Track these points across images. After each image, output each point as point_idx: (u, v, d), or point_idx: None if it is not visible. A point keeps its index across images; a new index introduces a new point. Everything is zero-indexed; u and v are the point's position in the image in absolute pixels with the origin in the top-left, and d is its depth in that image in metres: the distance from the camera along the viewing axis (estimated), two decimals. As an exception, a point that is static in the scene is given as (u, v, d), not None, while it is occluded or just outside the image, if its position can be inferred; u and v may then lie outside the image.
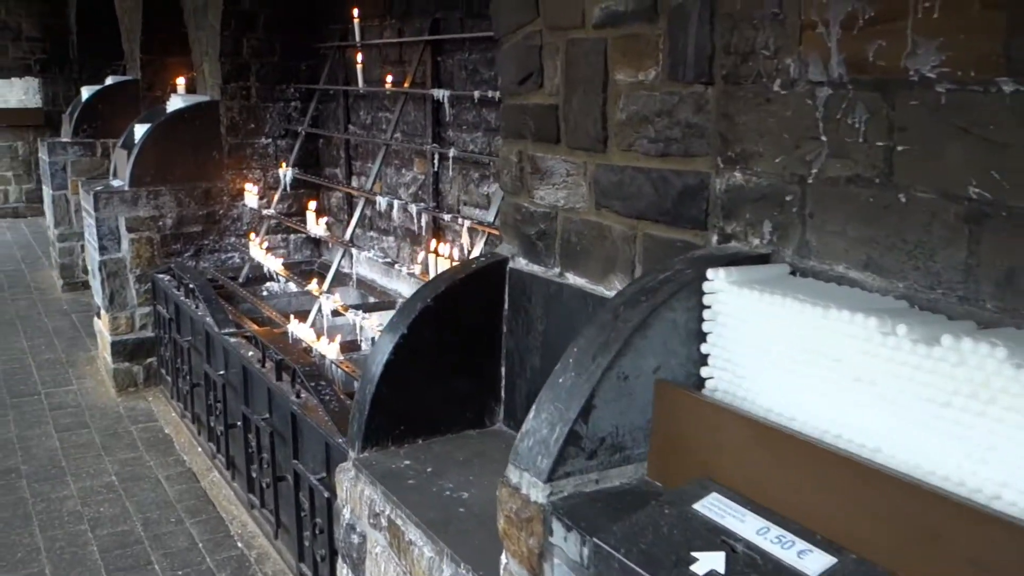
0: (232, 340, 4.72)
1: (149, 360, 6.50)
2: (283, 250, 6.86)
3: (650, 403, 1.85)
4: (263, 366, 4.28)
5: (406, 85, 5.17)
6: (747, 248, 2.05)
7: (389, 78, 5.28)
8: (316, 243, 7.03)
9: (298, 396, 3.85)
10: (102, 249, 6.25)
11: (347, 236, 5.19)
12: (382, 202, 4.78)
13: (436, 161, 5.21)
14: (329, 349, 4.43)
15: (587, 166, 2.64)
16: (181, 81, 8.72)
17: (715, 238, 2.16)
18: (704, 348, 1.85)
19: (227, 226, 6.64)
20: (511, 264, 3.01)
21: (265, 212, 6.27)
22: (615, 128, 2.49)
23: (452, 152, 4.44)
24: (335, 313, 4.86)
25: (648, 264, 2.38)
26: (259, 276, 6.40)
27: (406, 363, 2.86)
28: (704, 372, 1.85)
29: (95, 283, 6.57)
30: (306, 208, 5.54)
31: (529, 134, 2.88)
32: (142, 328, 6.46)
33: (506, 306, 3.01)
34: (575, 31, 2.56)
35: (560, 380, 1.86)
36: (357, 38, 5.66)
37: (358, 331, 4.64)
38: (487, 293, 3.03)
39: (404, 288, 5.69)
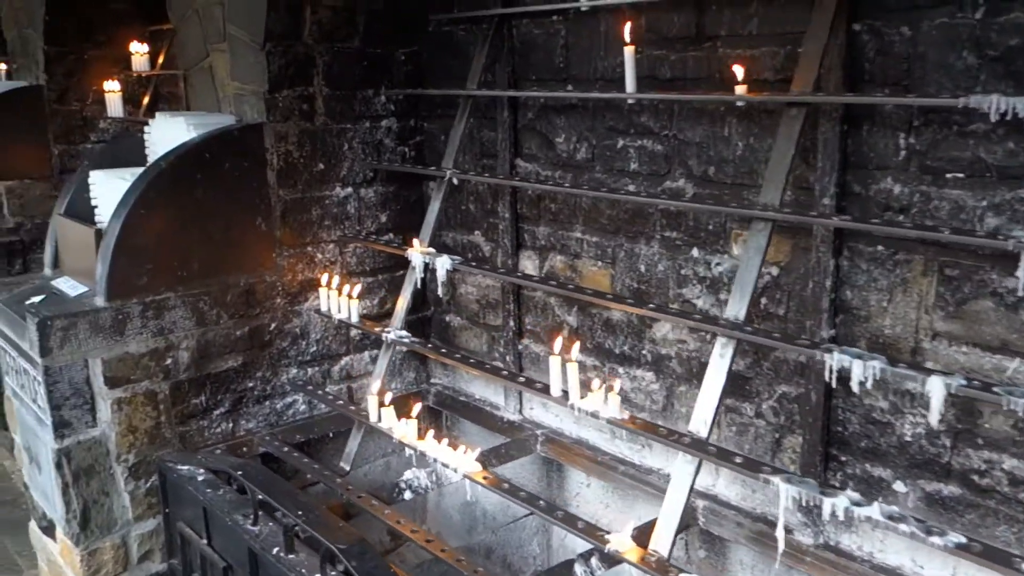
0: None
1: (160, 614, 3.45)
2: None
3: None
4: None
5: (796, 87, 2.38)
6: None
7: (739, 70, 2.46)
8: (423, 360, 4.11)
9: None
10: (60, 426, 3.16)
11: (701, 429, 2.33)
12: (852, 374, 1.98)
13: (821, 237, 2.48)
14: None
15: None
16: (114, 87, 5.55)
17: None
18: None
19: (283, 350, 3.64)
20: None
21: (390, 335, 3.30)
22: None
23: None
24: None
25: None
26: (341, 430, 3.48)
27: None
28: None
29: (45, 481, 3.45)
30: (551, 345, 2.56)
31: None
32: (145, 559, 3.40)
33: None
34: None
35: None
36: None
37: None
38: None
39: (660, 461, 2.88)
